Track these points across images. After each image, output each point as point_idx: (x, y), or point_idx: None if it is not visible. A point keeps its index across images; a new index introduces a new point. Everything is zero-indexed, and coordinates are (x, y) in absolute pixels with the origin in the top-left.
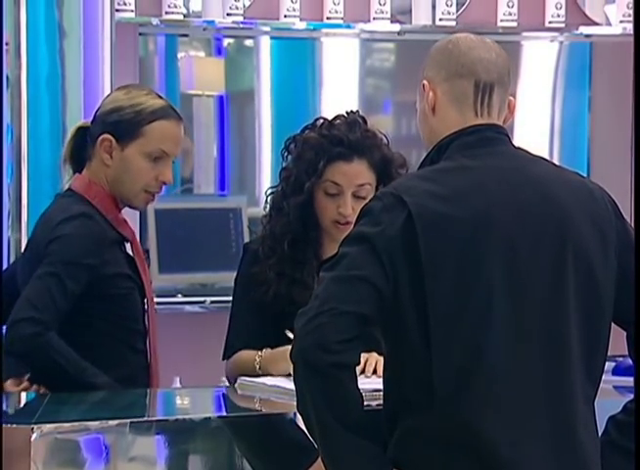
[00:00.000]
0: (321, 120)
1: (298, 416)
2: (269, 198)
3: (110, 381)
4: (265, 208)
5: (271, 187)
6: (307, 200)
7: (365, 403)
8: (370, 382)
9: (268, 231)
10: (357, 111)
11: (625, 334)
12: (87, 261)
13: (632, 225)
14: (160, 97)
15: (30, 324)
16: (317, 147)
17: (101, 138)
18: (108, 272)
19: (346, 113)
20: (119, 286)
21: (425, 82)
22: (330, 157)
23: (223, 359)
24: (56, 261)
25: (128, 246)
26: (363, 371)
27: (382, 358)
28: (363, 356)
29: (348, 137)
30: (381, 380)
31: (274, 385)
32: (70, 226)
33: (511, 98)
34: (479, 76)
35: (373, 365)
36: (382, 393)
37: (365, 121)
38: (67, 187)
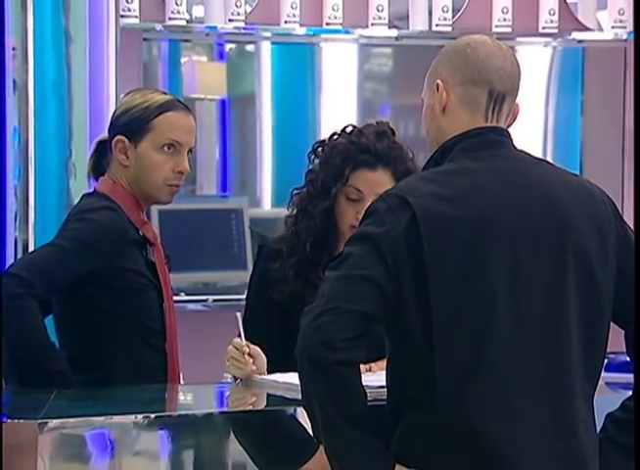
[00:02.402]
0: (350, 127)
1: (298, 411)
2: (294, 198)
3: (65, 371)
4: (289, 207)
5: (296, 188)
6: (332, 205)
7: (369, 400)
8: (374, 379)
9: (293, 231)
10: (387, 122)
11: (623, 333)
12: (100, 247)
13: (632, 226)
14: (167, 94)
15: (18, 283)
16: (345, 153)
17: (115, 140)
18: (121, 265)
19: (376, 122)
20: (132, 280)
21: (439, 82)
22: (356, 163)
23: None
24: (69, 237)
25: (150, 250)
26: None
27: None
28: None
29: (376, 146)
30: (384, 377)
31: (285, 382)
32: (98, 214)
33: (516, 103)
34: (493, 86)
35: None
36: (385, 389)
37: (394, 133)
38: (91, 190)
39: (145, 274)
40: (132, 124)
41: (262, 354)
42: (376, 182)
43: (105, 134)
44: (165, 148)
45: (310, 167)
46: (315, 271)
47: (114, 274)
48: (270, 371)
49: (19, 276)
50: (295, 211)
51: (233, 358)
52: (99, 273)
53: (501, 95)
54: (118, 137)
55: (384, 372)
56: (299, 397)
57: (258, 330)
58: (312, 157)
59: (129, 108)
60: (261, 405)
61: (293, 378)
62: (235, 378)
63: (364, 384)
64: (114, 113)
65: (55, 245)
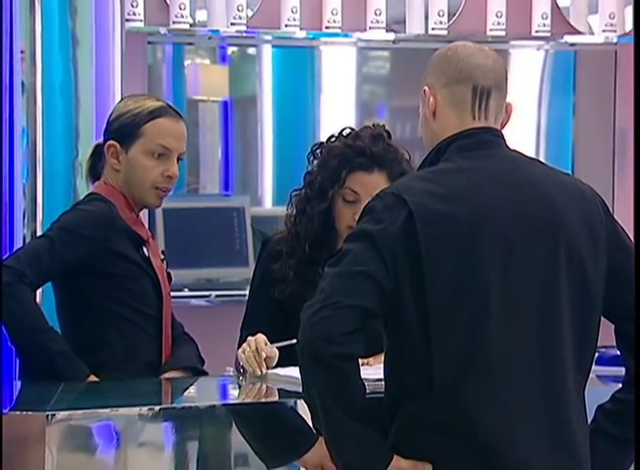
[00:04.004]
0: (347, 130)
1: (298, 404)
2: (293, 200)
3: (67, 351)
4: (289, 208)
5: (295, 189)
6: (330, 206)
7: (368, 392)
8: (372, 372)
9: (292, 232)
10: (383, 125)
11: (614, 328)
12: (86, 232)
13: (632, 225)
14: (160, 100)
15: (8, 272)
16: (341, 156)
17: (107, 145)
18: (111, 251)
19: (372, 125)
20: (122, 267)
21: (426, 88)
22: (352, 166)
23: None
24: (55, 227)
25: (146, 250)
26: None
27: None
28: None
29: (371, 149)
30: (382, 370)
31: (286, 375)
32: (85, 205)
33: (509, 102)
34: (476, 81)
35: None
36: (383, 382)
37: (389, 135)
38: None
39: (137, 262)
40: (123, 130)
41: (277, 356)
42: (372, 184)
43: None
44: (155, 154)
45: (308, 169)
46: (315, 271)
47: (104, 261)
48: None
49: (8, 267)
50: (294, 212)
51: (251, 356)
52: (89, 260)
53: (485, 90)
54: (110, 142)
55: (381, 366)
56: (300, 389)
57: (259, 329)
58: (311, 158)
59: (122, 113)
60: (272, 398)
61: (293, 371)
62: (238, 371)
63: (362, 377)
64: (109, 117)
65: (43, 236)
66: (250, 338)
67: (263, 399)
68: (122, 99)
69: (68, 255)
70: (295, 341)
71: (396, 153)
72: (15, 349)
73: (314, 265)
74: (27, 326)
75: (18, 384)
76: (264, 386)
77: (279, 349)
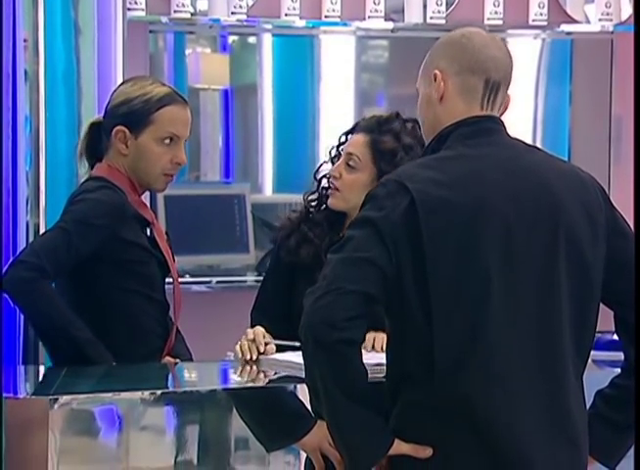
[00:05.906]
0: None
1: (297, 388)
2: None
3: (93, 339)
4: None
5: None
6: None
7: (369, 377)
8: (373, 357)
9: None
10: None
11: (613, 314)
12: (99, 222)
13: (633, 214)
14: (164, 84)
15: (27, 268)
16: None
17: (115, 130)
18: (123, 237)
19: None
20: (130, 253)
21: (437, 72)
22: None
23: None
24: (69, 219)
25: (149, 231)
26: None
27: (385, 336)
28: (370, 335)
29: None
30: (383, 355)
31: (286, 360)
32: (94, 193)
33: (508, 93)
34: (489, 75)
35: (379, 343)
36: (384, 367)
37: (405, 125)
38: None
39: (147, 248)
40: (133, 116)
41: (274, 351)
42: (352, 143)
43: (99, 117)
44: (166, 141)
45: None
46: (310, 228)
47: (114, 248)
48: (275, 333)
49: (28, 262)
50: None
51: (245, 344)
52: (100, 249)
53: (496, 84)
54: (119, 127)
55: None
56: (298, 374)
57: (267, 314)
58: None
59: (130, 99)
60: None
61: (292, 356)
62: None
63: (364, 362)
64: (111, 100)
65: (57, 229)
66: (248, 330)
67: (263, 384)
68: (124, 82)
69: (83, 246)
70: (297, 343)
71: (380, 121)
72: (44, 341)
73: (313, 224)
74: (55, 319)
75: (21, 369)
76: (263, 370)
77: (279, 345)
